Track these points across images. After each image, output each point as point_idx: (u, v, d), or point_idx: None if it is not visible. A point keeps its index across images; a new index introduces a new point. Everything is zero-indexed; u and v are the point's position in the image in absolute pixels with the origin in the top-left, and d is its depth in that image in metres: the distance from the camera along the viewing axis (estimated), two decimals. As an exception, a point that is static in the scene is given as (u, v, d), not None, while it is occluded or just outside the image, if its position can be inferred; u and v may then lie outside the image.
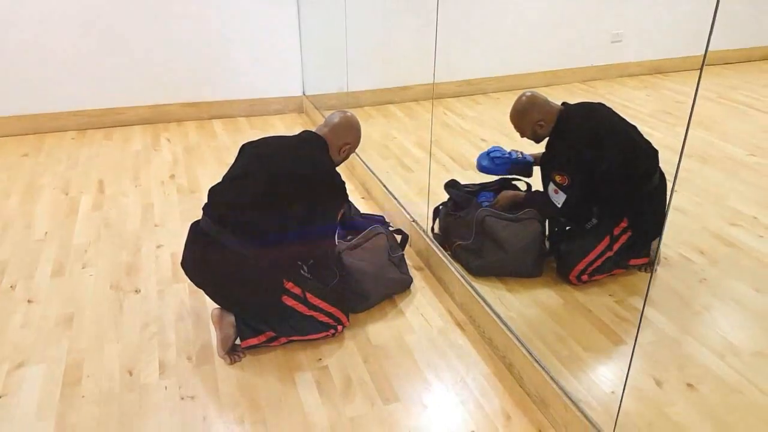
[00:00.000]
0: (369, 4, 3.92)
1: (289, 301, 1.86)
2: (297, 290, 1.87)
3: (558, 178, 2.15)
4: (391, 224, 2.44)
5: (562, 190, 2.14)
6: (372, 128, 4.06)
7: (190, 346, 1.98)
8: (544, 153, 2.35)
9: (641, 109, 4.09)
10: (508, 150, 2.51)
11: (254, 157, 1.96)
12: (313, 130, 2.05)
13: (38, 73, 3.78)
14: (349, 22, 3.48)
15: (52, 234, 2.72)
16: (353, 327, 2.07)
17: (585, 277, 2.16)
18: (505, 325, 1.87)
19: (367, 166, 3.17)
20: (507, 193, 2.40)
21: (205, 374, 1.87)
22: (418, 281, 2.33)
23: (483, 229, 2.24)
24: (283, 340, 1.93)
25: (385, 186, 2.90)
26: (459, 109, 4.33)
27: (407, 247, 2.46)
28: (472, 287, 2.07)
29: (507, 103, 4.44)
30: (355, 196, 3.10)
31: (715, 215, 2.62)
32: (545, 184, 2.27)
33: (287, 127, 4.15)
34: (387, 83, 4.43)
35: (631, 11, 4.62)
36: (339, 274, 2.04)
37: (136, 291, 2.29)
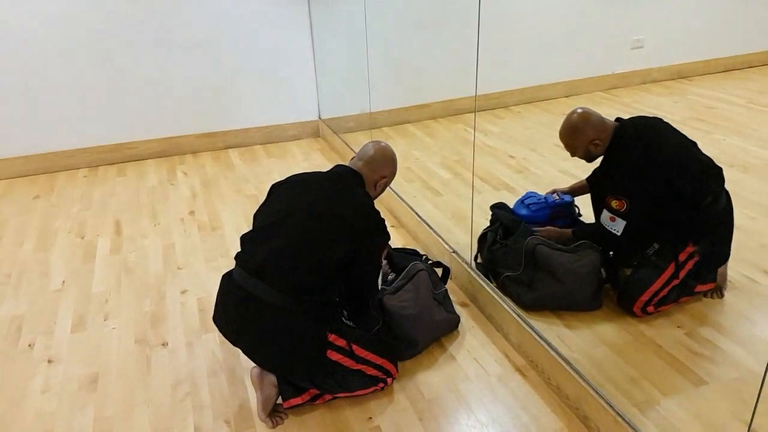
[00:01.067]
0: (385, 24, 3.79)
1: (335, 356, 1.70)
2: (342, 342, 1.70)
3: (614, 204, 1.98)
4: (427, 256, 2.28)
5: (619, 217, 1.98)
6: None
7: (228, 408, 1.81)
8: (594, 176, 2.19)
9: (671, 117, 3.91)
10: (543, 194, 2.36)
11: (288, 198, 1.81)
12: (347, 164, 1.90)
13: (45, 111, 3.67)
14: (370, 42, 3.35)
15: (69, 282, 2.57)
16: (401, 378, 1.90)
17: (651, 309, 1.99)
18: (574, 369, 1.69)
19: (393, 189, 3.02)
20: (551, 231, 2.21)
21: (247, 440, 1.70)
22: (466, 319, 2.16)
23: (534, 259, 2.08)
24: (328, 397, 1.77)
25: (416, 213, 2.74)
26: (480, 124, 4.18)
27: (449, 280, 2.29)
28: (528, 324, 1.90)
29: (529, 116, 4.33)
30: (384, 225, 2.95)
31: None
32: (597, 212, 2.10)
33: (304, 152, 4.02)
34: (404, 102, 4.30)
35: (650, 16, 4.47)
36: (381, 320, 1.88)
37: (163, 344, 2.13)
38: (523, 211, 2.33)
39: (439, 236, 2.50)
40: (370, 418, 1.74)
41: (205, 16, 3.74)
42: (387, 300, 1.90)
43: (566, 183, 3.17)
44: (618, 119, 2.06)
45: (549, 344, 1.80)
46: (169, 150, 3.98)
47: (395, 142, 4.04)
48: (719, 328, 1.96)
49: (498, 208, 2.39)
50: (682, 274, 1.97)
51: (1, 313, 2.37)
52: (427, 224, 2.62)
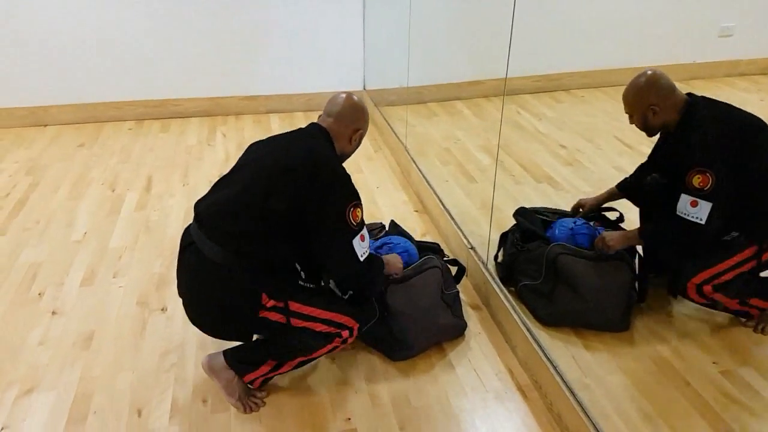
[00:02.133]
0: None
1: (273, 316, 1.56)
2: (278, 303, 1.55)
3: (697, 180, 1.66)
4: (444, 253, 2.11)
5: (703, 198, 1.66)
6: (434, 127, 3.71)
7: (208, 386, 1.75)
8: (659, 156, 1.93)
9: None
10: (572, 221, 2.07)
11: (251, 153, 1.71)
12: (317, 121, 1.73)
13: (98, 63, 3.70)
14: (413, 9, 3.13)
15: (90, 235, 2.59)
16: (390, 378, 1.77)
17: (708, 289, 1.74)
18: (577, 400, 1.51)
19: (421, 172, 2.84)
20: (612, 235, 1.89)
21: (218, 424, 1.63)
22: (474, 324, 1.99)
23: (555, 269, 1.87)
24: (290, 365, 1.65)
25: (440, 200, 2.56)
26: (536, 107, 3.90)
27: (463, 278, 2.12)
28: (538, 343, 1.71)
29: (593, 102, 3.99)
30: (408, 208, 2.79)
31: None
32: (655, 209, 1.84)
33: (347, 123, 3.88)
34: (454, 77, 4.05)
35: (742, 1, 3.98)
36: (381, 313, 1.75)
37: (162, 309, 2.10)
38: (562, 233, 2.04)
39: (460, 229, 2.32)
40: (349, 418, 1.63)
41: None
42: (390, 291, 1.77)
43: (618, 180, 2.90)
44: (689, 94, 1.78)
45: (556, 367, 1.61)
46: (213, 110, 3.95)
47: (440, 119, 3.83)
48: (764, 370, 1.70)
49: (519, 215, 2.17)
50: (756, 264, 1.72)
51: (22, 259, 2.42)
52: (450, 214, 2.44)
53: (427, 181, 2.75)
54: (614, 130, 3.34)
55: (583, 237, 1.96)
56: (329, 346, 1.63)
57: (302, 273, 1.64)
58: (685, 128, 1.75)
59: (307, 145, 1.61)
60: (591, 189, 2.82)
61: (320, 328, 1.60)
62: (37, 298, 2.17)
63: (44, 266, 2.36)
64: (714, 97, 1.82)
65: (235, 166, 1.70)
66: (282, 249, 1.56)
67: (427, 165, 2.97)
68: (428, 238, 2.49)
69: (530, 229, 2.07)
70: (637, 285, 1.90)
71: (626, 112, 1.89)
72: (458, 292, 1.96)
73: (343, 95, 1.71)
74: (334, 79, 3.98)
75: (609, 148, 3.19)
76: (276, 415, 1.66)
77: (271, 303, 1.54)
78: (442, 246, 2.20)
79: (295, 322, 1.57)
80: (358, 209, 1.56)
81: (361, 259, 1.56)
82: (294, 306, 1.56)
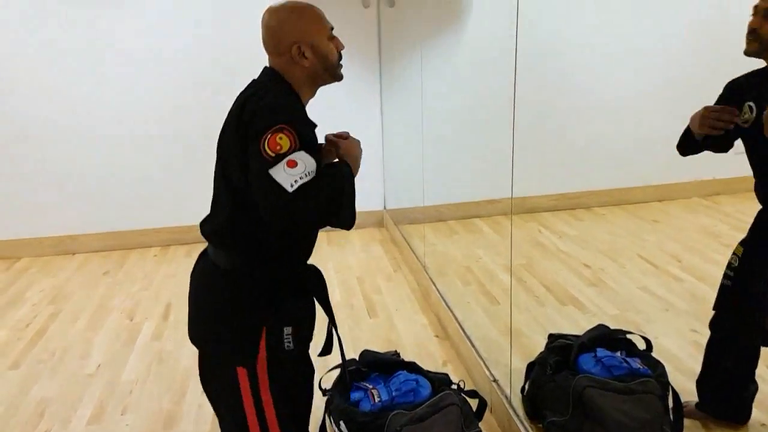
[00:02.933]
0: (447, 110, 3.70)
1: (241, 379, 1.32)
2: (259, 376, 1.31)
3: None
4: (462, 383, 1.99)
5: None
6: (454, 246, 3.69)
7: None
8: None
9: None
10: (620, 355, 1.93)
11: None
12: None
13: (127, 192, 3.88)
14: (425, 129, 3.25)
15: (104, 367, 2.55)
16: None
17: None
18: None
19: (441, 294, 2.78)
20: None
21: None
22: (499, 467, 1.83)
23: (582, 404, 1.73)
24: None
25: (461, 325, 2.47)
26: (556, 225, 3.88)
27: (486, 413, 1.97)
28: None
29: (614, 220, 3.95)
30: (427, 333, 2.69)
31: None
32: None
33: (364, 243, 3.90)
34: (471, 196, 4.10)
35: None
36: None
37: (167, 452, 1.99)
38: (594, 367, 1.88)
39: (482, 358, 2.21)
40: None
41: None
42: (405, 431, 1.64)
43: (645, 302, 2.78)
44: None
45: None
46: (236, 234, 4.04)
47: (460, 237, 3.83)
48: None
49: (551, 343, 2.06)
50: None
51: (33, 394, 2.37)
52: (471, 341, 2.34)
53: (447, 304, 2.68)
54: (638, 249, 3.27)
55: (615, 369, 1.83)
56: None
57: (286, 331, 1.34)
58: None
59: (243, 95, 1.34)
60: (617, 311, 2.71)
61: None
62: (41, 439, 2.09)
63: (54, 402, 2.30)
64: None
65: None
66: (253, 235, 1.33)
67: (448, 286, 2.91)
68: (449, 368, 2.37)
69: (558, 358, 1.95)
70: (672, 417, 1.74)
71: (754, 23, 1.58)
72: (480, 430, 1.81)
73: (265, 12, 1.35)
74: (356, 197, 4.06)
75: (633, 267, 3.10)
76: None
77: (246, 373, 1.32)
78: (464, 377, 2.08)
79: (250, 409, 1.33)
80: (280, 134, 1.19)
81: (290, 188, 1.18)
82: (264, 392, 1.32)
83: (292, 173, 1.19)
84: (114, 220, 3.92)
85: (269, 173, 1.17)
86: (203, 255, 1.45)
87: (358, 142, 1.46)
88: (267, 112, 1.23)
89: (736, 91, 1.71)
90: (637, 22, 3.86)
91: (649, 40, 3.86)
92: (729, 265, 1.84)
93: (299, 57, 1.31)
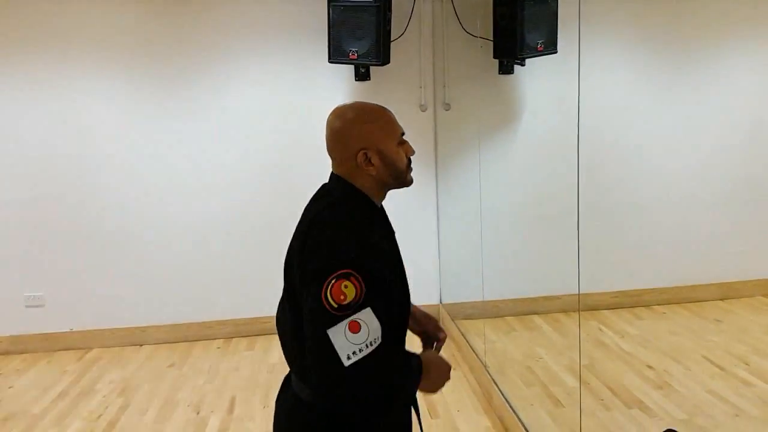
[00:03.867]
0: (506, 206, 3.83)
1: None
2: None
3: None
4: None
5: None
6: (512, 343, 3.68)
7: None
8: None
9: None
10: None
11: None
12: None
13: (190, 284, 4.08)
14: (485, 222, 3.37)
15: (172, 462, 2.61)
16: None
17: None
18: None
19: (503, 394, 2.76)
20: None
21: None
22: None
23: None
24: None
25: (526, 428, 2.44)
26: (617, 324, 3.82)
27: None
28: None
29: (675, 319, 3.88)
30: (493, 438, 2.66)
31: None
32: None
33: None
34: (529, 292, 4.12)
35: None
36: None
37: None
38: None
39: (551, 465, 2.17)
40: None
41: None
42: None
43: (714, 407, 2.69)
44: None
45: None
46: (296, 328, 4.14)
47: (518, 334, 3.81)
48: None
49: None
50: None
51: (106, 487, 2.43)
52: (539, 447, 2.31)
53: (511, 406, 2.66)
54: (702, 350, 3.19)
55: None
56: None
57: None
58: None
59: (313, 209, 1.28)
60: (686, 416, 2.62)
61: None
62: None
63: (125, 496, 2.36)
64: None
65: None
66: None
67: (509, 386, 2.89)
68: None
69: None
70: None
71: None
72: None
73: (330, 117, 1.28)
74: (413, 292, 4.14)
75: (699, 369, 3.02)
76: None
77: None
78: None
79: None
80: (346, 281, 1.07)
81: (346, 362, 1.05)
82: None
83: (353, 341, 1.06)
84: (179, 312, 4.11)
85: (327, 334, 1.05)
86: (287, 381, 1.39)
87: (449, 367, 1.30)
88: (332, 249, 1.12)
89: None
90: (698, 116, 3.99)
91: (711, 136, 3.96)
92: None
93: (365, 164, 1.22)
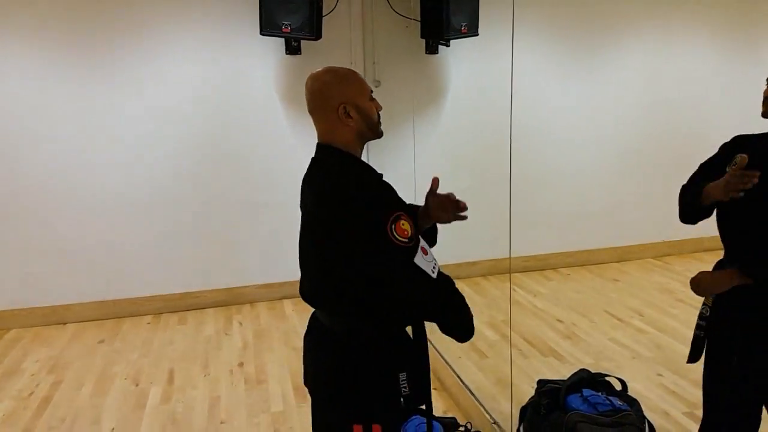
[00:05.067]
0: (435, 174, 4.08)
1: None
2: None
3: None
4: (469, 425, 2.23)
5: None
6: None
7: None
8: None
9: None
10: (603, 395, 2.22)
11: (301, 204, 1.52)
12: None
13: (118, 261, 4.01)
14: (419, 196, 3.60)
15: (118, 431, 2.64)
16: None
17: None
18: None
19: (436, 349, 3.02)
20: (707, 277, 1.68)
21: None
22: (507, 499, 2.05)
23: (577, 438, 2.00)
24: None
25: (458, 376, 2.72)
26: (529, 285, 4.22)
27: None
28: None
29: (579, 279, 4.35)
30: (428, 388, 2.92)
31: None
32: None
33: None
34: (454, 258, 4.43)
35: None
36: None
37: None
38: (582, 405, 2.16)
39: (481, 404, 2.45)
40: None
41: (273, 178, 4.14)
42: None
43: (615, 352, 3.11)
44: None
45: None
46: (230, 299, 4.20)
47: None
48: None
49: (541, 387, 2.33)
50: None
51: (50, 459, 2.44)
52: (469, 390, 2.58)
53: (444, 359, 2.93)
54: (603, 305, 3.66)
55: (600, 406, 2.11)
56: None
57: (402, 377, 1.41)
58: None
59: (314, 184, 1.43)
60: (592, 360, 3.02)
61: None
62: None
63: (73, 466, 2.39)
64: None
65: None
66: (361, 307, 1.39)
67: (440, 342, 3.16)
68: (450, 416, 2.59)
69: (548, 400, 2.22)
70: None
71: None
72: (488, 467, 2.04)
73: (308, 79, 1.45)
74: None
75: (601, 321, 3.45)
76: None
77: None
78: (471, 424, 2.32)
79: None
80: (401, 221, 1.29)
81: (433, 274, 1.30)
82: None
83: (429, 260, 1.30)
84: (106, 289, 4.03)
85: (414, 263, 1.27)
86: (314, 320, 1.53)
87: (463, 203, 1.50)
88: (374, 200, 1.32)
89: (737, 148, 1.70)
90: (596, 104, 4.42)
91: (608, 119, 4.41)
92: (700, 316, 1.78)
93: (345, 117, 1.39)
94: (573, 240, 4.55)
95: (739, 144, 1.71)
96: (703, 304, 1.78)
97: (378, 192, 1.37)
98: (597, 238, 4.52)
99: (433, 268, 1.31)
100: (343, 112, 1.39)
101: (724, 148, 1.75)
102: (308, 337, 1.55)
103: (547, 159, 4.44)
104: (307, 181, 1.47)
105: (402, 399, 1.40)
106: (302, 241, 1.50)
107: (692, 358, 1.79)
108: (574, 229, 4.52)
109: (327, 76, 1.42)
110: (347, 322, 1.43)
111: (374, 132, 1.46)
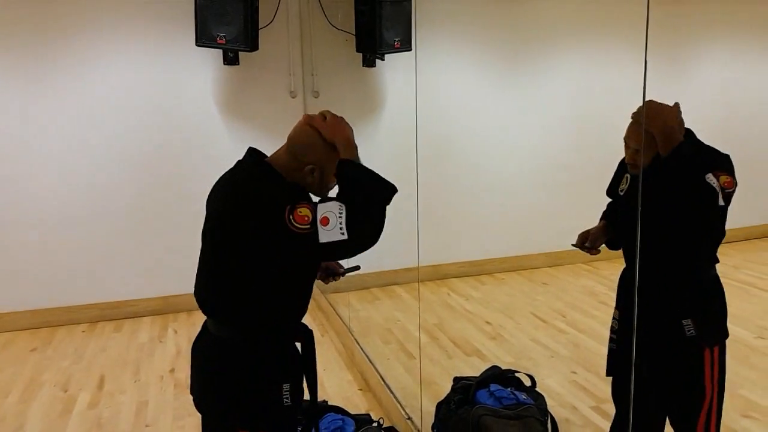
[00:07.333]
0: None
1: None
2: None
3: (724, 180, 1.64)
4: (381, 420, 2.33)
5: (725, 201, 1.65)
6: (376, 311, 4.08)
7: None
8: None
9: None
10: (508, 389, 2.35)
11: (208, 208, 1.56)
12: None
13: (51, 268, 3.96)
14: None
15: (40, 437, 2.64)
16: None
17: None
18: None
19: (365, 352, 3.13)
20: (593, 231, 1.99)
21: None
22: (414, 490, 2.15)
23: (479, 430, 2.12)
24: None
25: (381, 377, 2.83)
26: (464, 289, 4.37)
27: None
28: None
29: (511, 283, 4.53)
30: (352, 387, 3.01)
31: (727, 405, 2.45)
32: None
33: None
34: (392, 265, 4.54)
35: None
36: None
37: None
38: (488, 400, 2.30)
39: (399, 402, 2.56)
40: None
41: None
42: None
43: (535, 351, 3.27)
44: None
45: None
46: (166, 308, 4.20)
47: (381, 302, 4.22)
48: None
49: (456, 384, 2.46)
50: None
51: (-33, 467, 2.42)
52: (390, 390, 2.69)
53: (370, 360, 3.03)
54: (530, 307, 3.83)
55: (505, 399, 2.25)
56: None
57: (285, 388, 1.47)
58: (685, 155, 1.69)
59: (230, 186, 1.48)
60: (513, 359, 3.17)
61: None
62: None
63: (-9, 473, 2.38)
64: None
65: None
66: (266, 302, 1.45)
67: (370, 346, 3.26)
68: (372, 415, 2.69)
69: (460, 396, 2.34)
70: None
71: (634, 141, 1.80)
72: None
73: (305, 118, 1.48)
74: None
75: (526, 322, 3.62)
76: None
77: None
78: (384, 420, 2.42)
79: None
80: (299, 208, 1.32)
81: (345, 234, 1.33)
82: None
83: (332, 226, 1.31)
84: (40, 297, 3.98)
85: (322, 243, 1.31)
86: (204, 329, 1.56)
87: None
88: (278, 197, 1.35)
89: (623, 166, 1.97)
90: (528, 114, 4.63)
91: (538, 128, 4.62)
92: (612, 329, 1.91)
93: (308, 173, 1.43)
94: (508, 246, 4.73)
95: (623, 164, 1.94)
96: (613, 318, 1.93)
97: (285, 191, 1.39)
98: (530, 244, 4.71)
99: (340, 228, 1.32)
100: (309, 171, 1.43)
101: (621, 163, 1.98)
102: (197, 344, 1.58)
103: (482, 170, 4.62)
104: (221, 181, 1.52)
105: (283, 409, 1.46)
106: (204, 245, 1.53)
107: (610, 370, 1.94)
108: (509, 236, 4.71)
109: (320, 138, 1.44)
110: (237, 332, 1.47)
111: (319, 195, 1.49)
